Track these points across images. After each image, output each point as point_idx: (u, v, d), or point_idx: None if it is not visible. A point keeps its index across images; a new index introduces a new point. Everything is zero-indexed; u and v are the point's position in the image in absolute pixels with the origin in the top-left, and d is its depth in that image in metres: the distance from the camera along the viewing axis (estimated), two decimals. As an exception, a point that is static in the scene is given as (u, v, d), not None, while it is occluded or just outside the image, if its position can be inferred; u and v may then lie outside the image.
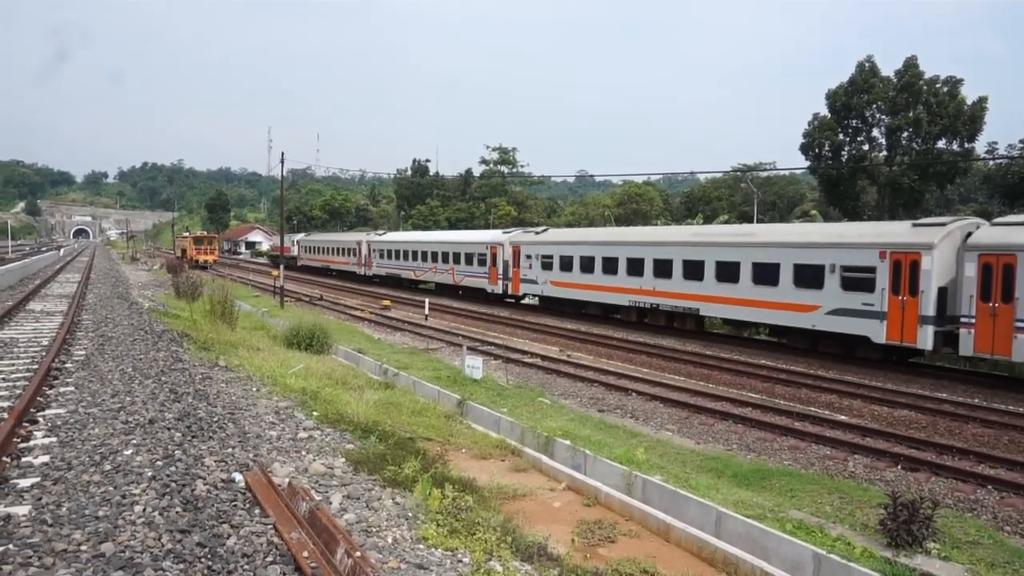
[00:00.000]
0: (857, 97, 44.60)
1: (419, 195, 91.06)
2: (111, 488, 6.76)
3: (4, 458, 7.53)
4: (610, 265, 29.62)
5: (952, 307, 18.77)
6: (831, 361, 21.64)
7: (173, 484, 6.93)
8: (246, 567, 5.38)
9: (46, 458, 7.68)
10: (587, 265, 31.01)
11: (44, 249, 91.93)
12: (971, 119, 42.32)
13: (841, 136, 46.33)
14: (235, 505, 6.68)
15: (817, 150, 46.67)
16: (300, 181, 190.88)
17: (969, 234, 18.97)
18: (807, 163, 47.95)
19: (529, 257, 34.96)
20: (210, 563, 5.38)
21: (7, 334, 17.04)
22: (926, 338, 18.88)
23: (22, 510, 6.19)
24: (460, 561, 6.17)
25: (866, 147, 46.71)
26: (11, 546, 5.41)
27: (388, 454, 9.30)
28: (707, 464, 11.84)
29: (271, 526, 6.17)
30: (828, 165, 46.09)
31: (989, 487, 11.03)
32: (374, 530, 6.66)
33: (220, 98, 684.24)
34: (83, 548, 5.44)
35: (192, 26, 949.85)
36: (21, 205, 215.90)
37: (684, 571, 7.30)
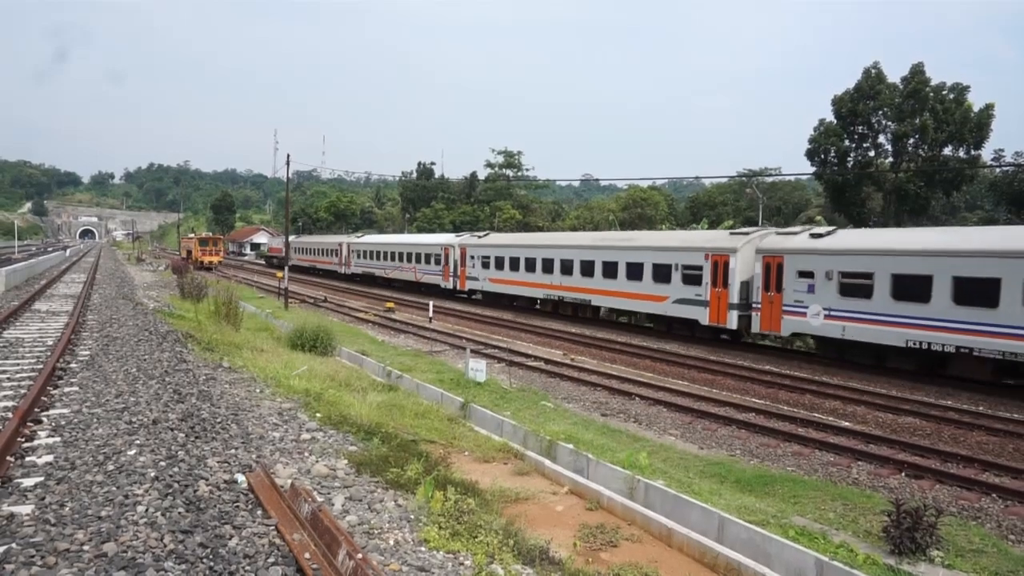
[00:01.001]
0: (863, 103, 44.60)
1: (424, 198, 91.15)
2: (114, 488, 6.77)
3: (8, 458, 7.55)
4: (530, 265, 35.21)
5: (750, 296, 24.09)
6: (835, 367, 21.61)
7: (176, 485, 6.94)
8: (248, 568, 5.38)
9: (50, 458, 7.70)
10: (514, 265, 36.48)
11: (50, 249, 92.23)
12: (978, 126, 42.29)
13: (847, 142, 46.34)
14: (237, 506, 6.68)
15: (823, 156, 46.68)
16: (305, 183, 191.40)
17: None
18: (813, 168, 47.94)
19: (473, 258, 40.14)
20: (212, 564, 5.38)
21: (13, 334, 17.10)
22: (733, 320, 24.62)
23: (25, 509, 6.20)
24: (462, 564, 6.17)
25: (872, 153, 46.71)
26: (14, 545, 5.42)
27: (391, 456, 9.30)
28: (710, 469, 11.82)
29: (273, 527, 6.18)
30: (834, 171, 46.06)
31: (994, 495, 10.97)
32: (376, 532, 6.66)
33: (226, 100, 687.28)
34: (85, 548, 5.45)
35: (196, 30, 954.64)
36: (28, 205, 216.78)
37: (686, 576, 7.29)
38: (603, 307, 31.71)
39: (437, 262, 44.26)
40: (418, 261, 46.88)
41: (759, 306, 23.60)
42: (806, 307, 22.17)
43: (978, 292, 18.20)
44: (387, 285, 51.66)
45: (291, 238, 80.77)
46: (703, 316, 25.65)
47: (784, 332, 23.19)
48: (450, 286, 42.80)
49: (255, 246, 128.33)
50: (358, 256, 57.39)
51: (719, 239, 26.53)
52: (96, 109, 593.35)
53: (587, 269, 31.33)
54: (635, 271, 28.57)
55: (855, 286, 20.94)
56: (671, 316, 27.30)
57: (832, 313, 21.51)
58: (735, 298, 24.49)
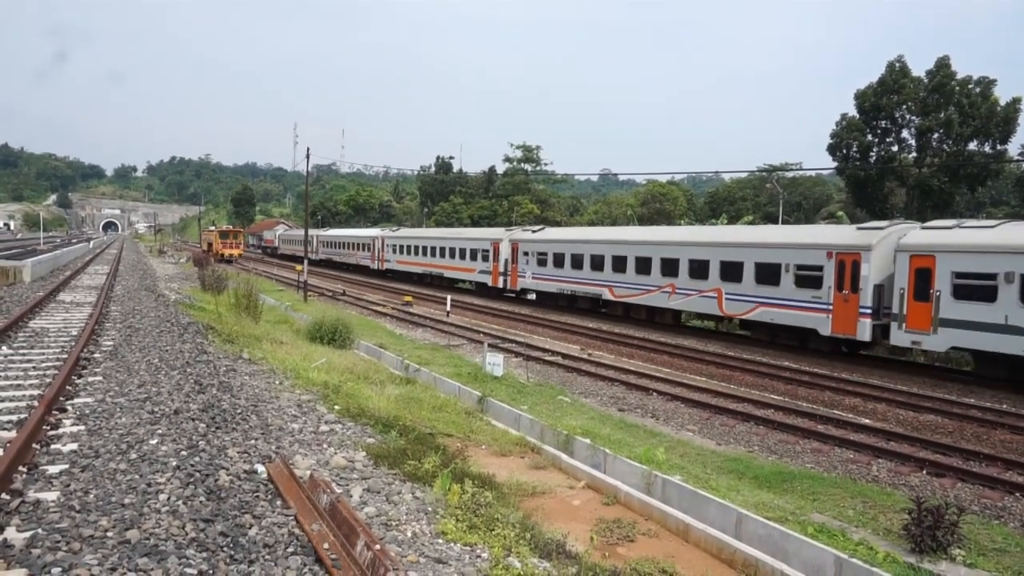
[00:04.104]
0: (887, 97, 43.97)
1: (442, 192, 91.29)
2: (137, 476, 6.85)
3: (34, 445, 7.68)
4: (416, 251, 50.43)
5: (507, 268, 39.09)
6: (856, 364, 21.44)
7: (197, 474, 7.02)
8: (267, 557, 5.44)
9: (74, 446, 7.81)
10: (409, 251, 51.55)
11: (74, 241, 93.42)
12: (1004, 120, 41.55)
13: (870, 137, 45.71)
14: (257, 496, 6.75)
15: (845, 151, 46.08)
16: (325, 177, 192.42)
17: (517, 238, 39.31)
18: (834, 164, 47.37)
19: (388, 247, 55.13)
20: (232, 552, 5.44)
21: (38, 324, 17.36)
22: (500, 282, 39.54)
23: (51, 496, 6.30)
24: (479, 556, 6.19)
25: (895, 148, 46.03)
26: (40, 530, 5.51)
27: (408, 449, 9.35)
28: (728, 465, 11.76)
29: (292, 517, 6.23)
30: (856, 166, 45.49)
31: (1017, 494, 10.83)
32: (394, 524, 6.70)
33: (246, 95, 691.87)
34: (109, 534, 5.53)
35: (216, 26, 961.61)
36: (53, 198, 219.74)
37: (703, 572, 7.27)
38: (446, 277, 46.25)
39: (367, 249, 59.23)
40: (357, 249, 62.59)
41: (509, 274, 38.79)
42: (526, 274, 37.11)
43: (578, 263, 33.12)
44: (340, 268, 65.89)
45: (280, 231, 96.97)
46: (488, 280, 40.69)
47: (517, 287, 38.33)
48: (375, 266, 57.31)
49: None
50: (323, 246, 72.19)
51: (496, 233, 41.88)
52: (119, 104, 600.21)
53: (442, 253, 46.34)
54: (463, 254, 43.57)
55: (541, 260, 35.99)
56: (477, 281, 42.35)
57: (535, 276, 36.45)
58: (501, 269, 39.36)
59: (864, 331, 20.97)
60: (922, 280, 19.47)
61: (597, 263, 31.91)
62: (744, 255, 24.81)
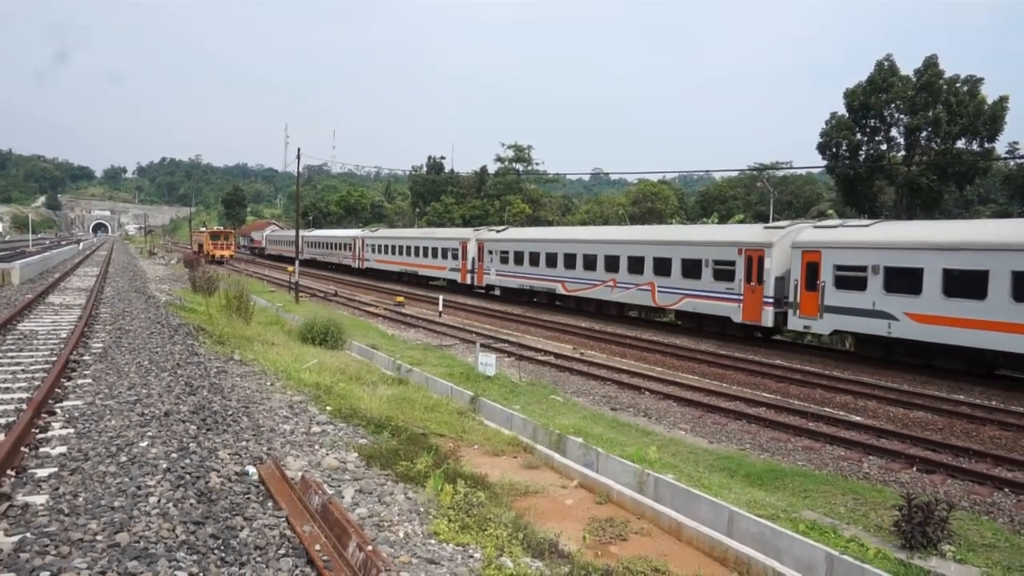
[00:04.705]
0: (876, 96, 44.15)
1: (434, 192, 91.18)
2: (127, 479, 6.81)
3: (23, 448, 7.62)
4: (394, 250, 53.45)
5: (474, 266, 41.65)
6: (846, 361, 21.54)
7: (187, 476, 6.98)
8: (258, 559, 5.41)
9: (63, 449, 7.76)
10: (388, 250, 54.62)
11: (64, 243, 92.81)
12: (992, 118, 41.80)
13: (859, 135, 45.89)
14: (248, 498, 6.72)
15: (834, 149, 46.25)
16: (316, 177, 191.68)
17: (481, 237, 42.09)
18: (824, 162, 47.55)
19: (368, 246, 58.43)
20: (223, 555, 5.42)
21: (27, 326, 17.25)
22: (468, 279, 42.03)
23: (40, 499, 6.26)
24: (471, 557, 6.18)
25: (884, 147, 46.24)
26: (29, 534, 5.47)
27: (400, 449, 9.33)
28: (720, 463, 11.79)
29: (284, 519, 6.21)
30: (845, 165, 45.69)
31: (1006, 490, 10.91)
32: (386, 524, 6.69)
33: (236, 95, 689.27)
34: (99, 538, 5.49)
35: (206, 26, 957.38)
36: (42, 199, 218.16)
37: (696, 570, 7.27)
38: (412, 274, 50.03)
39: (349, 249, 62.54)
40: (339, 249, 65.76)
41: (476, 271, 41.13)
42: (490, 271, 39.53)
43: (535, 260, 35.52)
44: (324, 267, 68.61)
45: (268, 232, 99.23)
46: (458, 277, 43.18)
47: (483, 283, 40.82)
48: (356, 265, 60.05)
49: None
50: (309, 246, 74.16)
51: (464, 233, 44.91)
52: (108, 104, 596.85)
53: (417, 252, 49.23)
54: (435, 253, 46.38)
55: (503, 258, 38.45)
56: (448, 278, 44.85)
57: (498, 272, 38.95)
58: (469, 267, 41.95)
59: (768, 318, 23.74)
60: (811, 272, 22.20)
61: (551, 260, 34.68)
62: (673, 252, 27.76)
